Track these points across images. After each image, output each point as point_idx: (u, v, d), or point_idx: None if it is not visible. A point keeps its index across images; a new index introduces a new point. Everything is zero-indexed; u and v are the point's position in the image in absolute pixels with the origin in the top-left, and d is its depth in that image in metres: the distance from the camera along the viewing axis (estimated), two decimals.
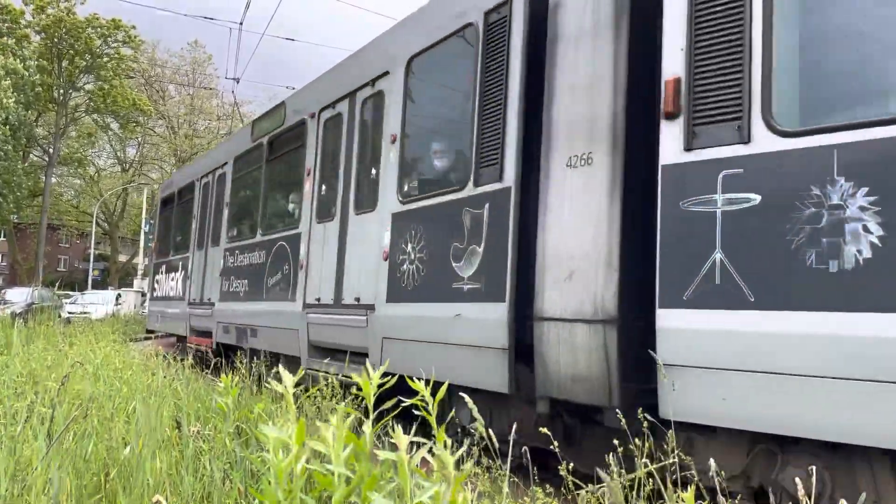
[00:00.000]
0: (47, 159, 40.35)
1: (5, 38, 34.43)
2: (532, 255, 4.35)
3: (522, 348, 4.41)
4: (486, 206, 4.73)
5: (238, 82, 20.34)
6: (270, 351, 8.10)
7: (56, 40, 36.47)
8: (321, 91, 7.88)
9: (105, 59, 38.24)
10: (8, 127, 30.37)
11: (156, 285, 14.73)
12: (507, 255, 4.46)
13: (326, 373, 6.17)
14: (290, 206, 8.49)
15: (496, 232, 4.62)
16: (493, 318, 4.50)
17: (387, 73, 6.32)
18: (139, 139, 47.81)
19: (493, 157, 4.76)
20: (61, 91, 38.74)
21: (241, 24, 21.02)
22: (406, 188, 5.91)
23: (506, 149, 4.65)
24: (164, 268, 14.05)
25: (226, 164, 10.84)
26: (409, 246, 5.53)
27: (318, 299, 7.06)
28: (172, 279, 13.13)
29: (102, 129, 44.71)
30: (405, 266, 5.57)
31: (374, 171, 6.45)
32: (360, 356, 6.26)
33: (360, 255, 6.42)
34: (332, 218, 7.04)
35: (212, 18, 24.00)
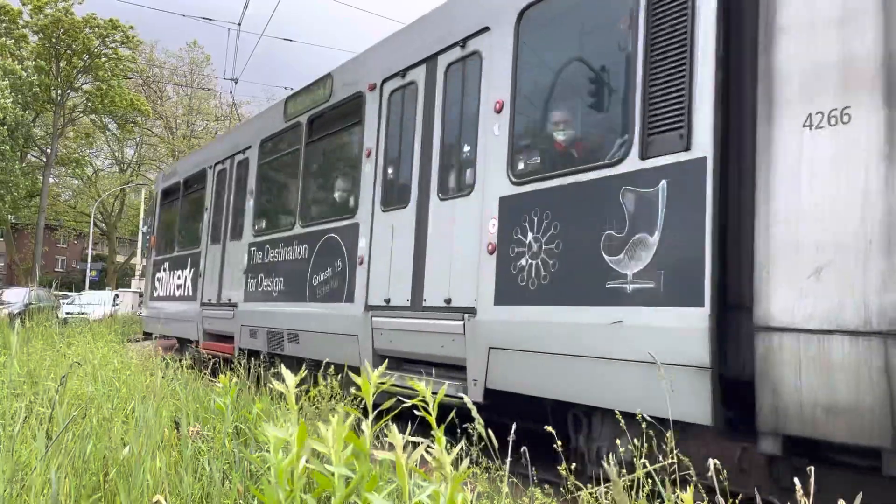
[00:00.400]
0: (45, 159, 39.76)
1: (3, 39, 34.32)
2: (739, 244, 3.42)
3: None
4: (663, 183, 3.72)
5: (236, 83, 20.38)
6: (318, 359, 6.88)
7: (54, 40, 36.00)
8: (384, 58, 6.70)
9: (103, 60, 37.76)
10: (5, 127, 30.05)
11: (156, 284, 13.14)
12: (703, 245, 3.47)
13: (402, 387, 5.25)
14: (340, 194, 7.39)
15: (682, 216, 3.62)
16: (680, 326, 3.52)
17: (486, 29, 5.30)
18: (137, 140, 47.45)
19: (674, 119, 3.74)
20: (59, 91, 38.12)
21: (239, 24, 21.04)
22: (521, 166, 4.88)
23: (695, 108, 3.62)
24: (166, 265, 12.60)
25: (249, 148, 9.51)
26: (530, 236, 4.57)
27: (388, 301, 6.04)
28: (178, 277, 11.76)
29: (100, 129, 44.18)
30: (524, 261, 4.59)
31: (467, 148, 5.44)
32: (449, 368, 5.33)
33: (448, 247, 5.41)
34: (405, 205, 6.01)
35: (210, 19, 24.05)
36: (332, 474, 1.59)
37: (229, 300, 9.46)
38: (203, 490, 2.86)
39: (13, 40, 34.88)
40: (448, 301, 5.33)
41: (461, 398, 4.94)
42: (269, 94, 44.31)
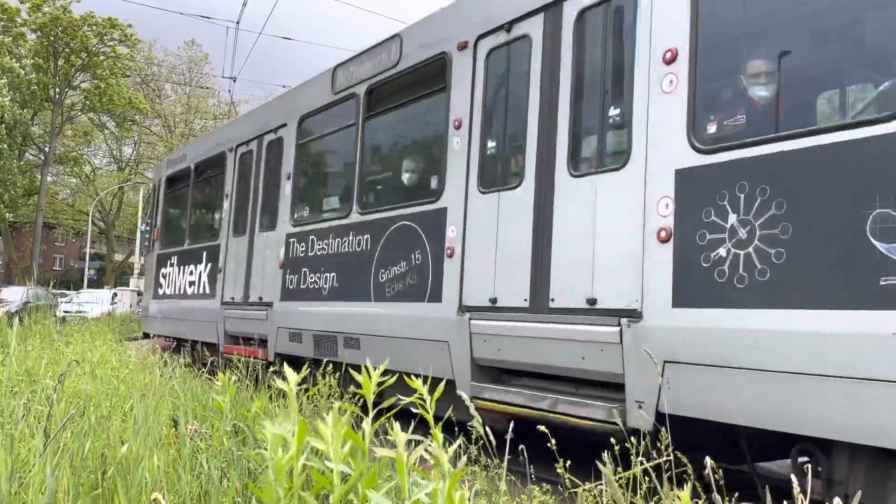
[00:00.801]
0: (43, 158, 39.47)
1: (1, 37, 34.29)
2: None
3: None
4: None
5: (235, 81, 20.31)
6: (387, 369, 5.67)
7: (52, 38, 35.83)
8: (478, 12, 5.63)
9: (101, 58, 37.61)
10: (3, 125, 29.77)
11: (161, 281, 11.73)
12: None
13: (515, 405, 4.53)
14: (415, 174, 6.40)
15: None
16: None
17: None
18: (135, 138, 47.48)
19: None
20: (57, 89, 37.86)
21: (237, 23, 21.01)
22: (713, 129, 3.92)
23: None
24: (174, 260, 11.28)
25: (283, 126, 8.35)
26: (733, 219, 3.59)
27: (493, 300, 5.06)
28: (191, 274, 10.50)
29: (98, 127, 43.98)
30: (723, 251, 3.62)
31: (614, 111, 4.50)
32: (591, 385, 4.47)
33: (589, 234, 4.43)
34: (517, 184, 5.03)
35: (209, 17, 24.07)
36: (331, 472, 1.59)
37: (260, 299, 8.32)
38: (201, 488, 2.85)
39: (11, 38, 34.76)
40: (592, 302, 4.36)
41: (614, 424, 3.66)
42: (267, 93, 44.35)
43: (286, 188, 8.08)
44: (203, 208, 10.99)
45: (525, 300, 4.85)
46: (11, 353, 5.07)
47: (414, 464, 1.67)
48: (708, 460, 2.41)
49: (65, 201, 48.56)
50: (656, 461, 2.83)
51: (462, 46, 5.68)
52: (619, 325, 4.14)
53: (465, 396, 2.93)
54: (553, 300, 4.65)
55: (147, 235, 15.16)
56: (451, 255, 5.50)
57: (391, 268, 6.13)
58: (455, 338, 5.35)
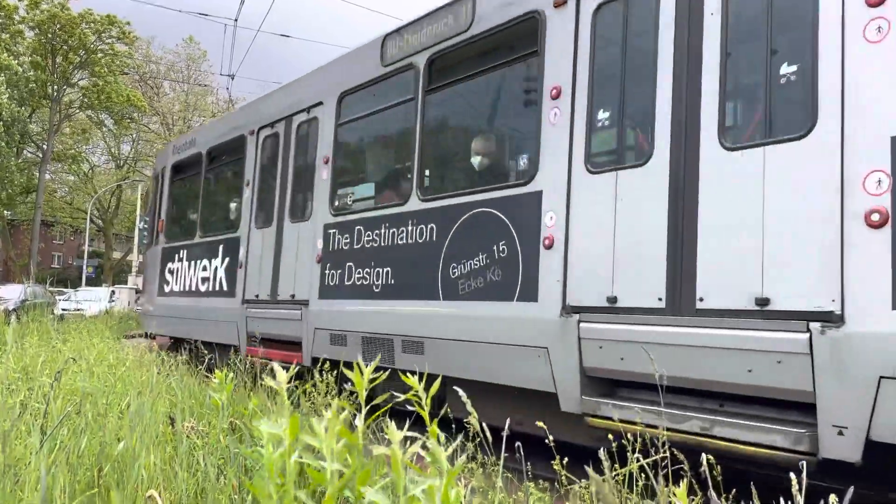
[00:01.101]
0: (41, 155, 39.58)
1: None
2: None
3: None
4: None
5: (233, 79, 20.31)
6: (458, 377, 5.05)
7: (50, 36, 35.89)
8: None
9: (99, 55, 37.73)
10: (1, 123, 29.90)
11: (167, 277, 10.74)
12: None
13: (647, 426, 3.69)
14: (488, 155, 5.61)
15: None
16: None
17: None
18: (133, 136, 47.50)
19: None
20: (55, 87, 38.01)
21: (235, 20, 20.96)
22: None
23: None
24: (182, 254, 10.32)
25: (318, 105, 7.51)
26: None
27: (613, 300, 4.29)
28: (204, 269, 9.58)
29: (97, 125, 44.15)
30: None
31: (789, 69, 3.75)
32: (741, 402, 3.76)
33: (751, 219, 3.71)
34: (643, 161, 4.27)
35: (207, 15, 24.01)
36: (325, 468, 1.59)
37: (292, 296, 7.54)
38: (198, 485, 2.85)
39: (9, 35, 34.72)
40: (763, 302, 3.62)
41: (805, 454, 3.14)
42: (265, 90, 44.48)
43: (323, 174, 7.24)
44: (218, 197, 10.03)
45: (659, 299, 4.08)
46: (9, 350, 5.07)
47: (411, 461, 1.67)
48: (704, 457, 2.40)
49: (63, 199, 48.48)
50: (653, 458, 2.82)
51: (560, 3, 4.93)
52: (809, 330, 3.41)
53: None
54: (702, 299, 3.89)
55: (146, 232, 14.17)
56: (549, 247, 4.72)
57: (466, 262, 5.34)
58: (557, 343, 4.57)
